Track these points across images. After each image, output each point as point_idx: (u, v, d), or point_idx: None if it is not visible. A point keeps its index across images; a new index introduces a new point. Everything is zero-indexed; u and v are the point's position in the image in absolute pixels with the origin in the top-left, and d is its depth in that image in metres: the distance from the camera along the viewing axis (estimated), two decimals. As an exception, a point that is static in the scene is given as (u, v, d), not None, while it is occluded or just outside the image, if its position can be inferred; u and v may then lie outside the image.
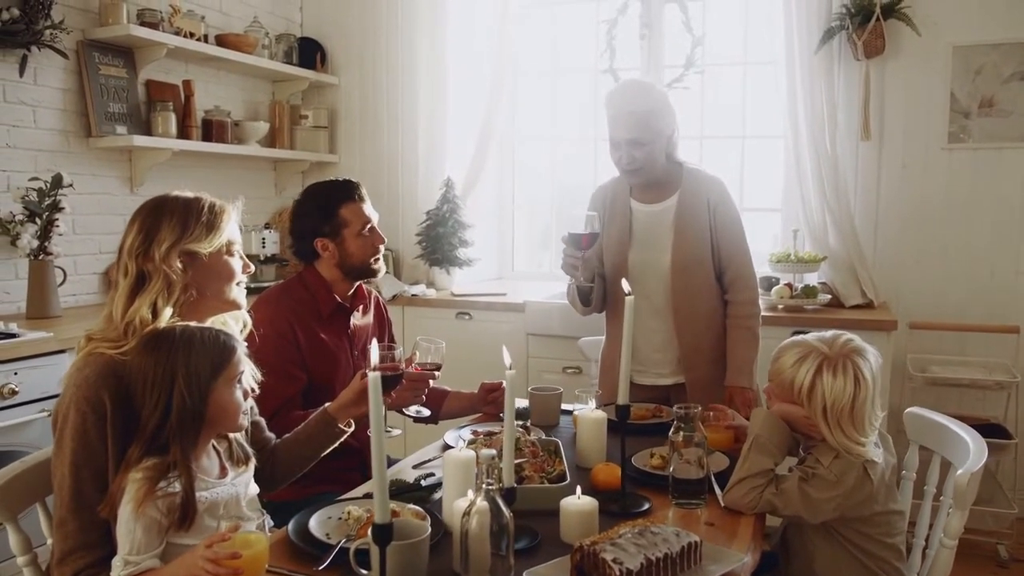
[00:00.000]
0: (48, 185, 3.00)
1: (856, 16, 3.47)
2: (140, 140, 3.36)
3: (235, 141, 3.88)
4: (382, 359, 1.74)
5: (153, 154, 3.48)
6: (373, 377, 1.12)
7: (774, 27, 3.64)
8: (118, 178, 3.48)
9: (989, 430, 2.92)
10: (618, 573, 1.21)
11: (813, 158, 3.53)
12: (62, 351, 2.62)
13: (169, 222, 1.52)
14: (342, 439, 1.83)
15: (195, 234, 1.52)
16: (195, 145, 3.63)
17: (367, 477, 2.11)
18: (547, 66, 4.34)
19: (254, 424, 1.75)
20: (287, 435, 1.83)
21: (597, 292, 2.42)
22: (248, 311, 1.69)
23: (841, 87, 3.61)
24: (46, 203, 3.00)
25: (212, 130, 3.76)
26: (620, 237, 2.42)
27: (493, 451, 1.25)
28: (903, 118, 3.60)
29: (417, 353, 1.93)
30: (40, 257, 3.00)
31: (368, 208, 2.22)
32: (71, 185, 3.05)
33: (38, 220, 2.99)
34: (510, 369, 1.42)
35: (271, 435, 1.81)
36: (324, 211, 2.17)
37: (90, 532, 1.38)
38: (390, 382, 1.78)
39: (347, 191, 2.19)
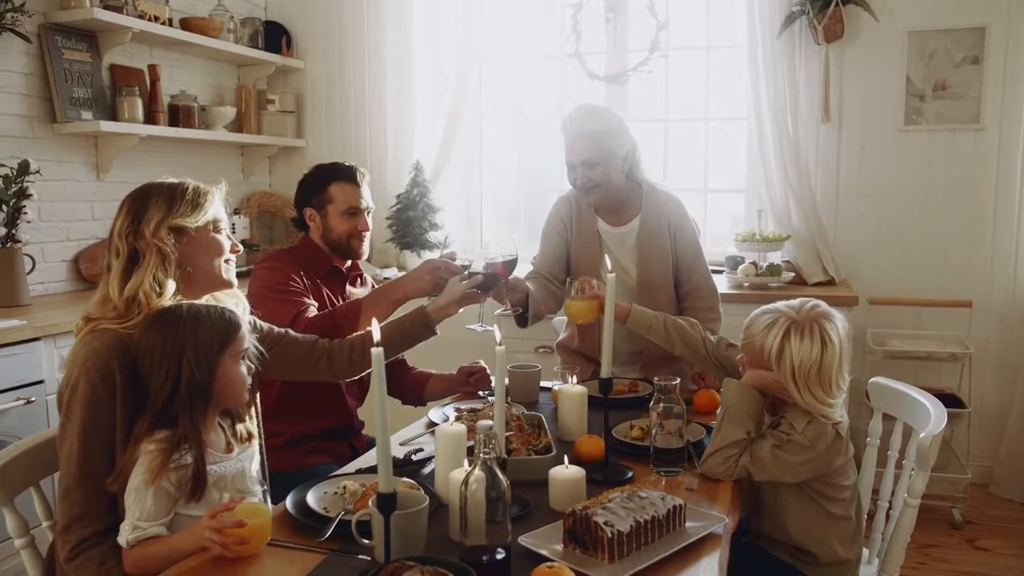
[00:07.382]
0: (15, 172, 2.95)
1: (816, 2, 3.57)
2: (107, 125, 3.32)
3: (202, 126, 3.85)
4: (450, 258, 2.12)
5: (120, 140, 3.44)
6: (376, 353, 1.16)
7: (737, 12, 3.72)
8: (84, 164, 3.44)
9: (944, 400, 2.98)
10: (609, 535, 1.28)
11: (775, 140, 3.63)
12: (36, 339, 2.60)
13: (156, 202, 1.56)
14: (427, 339, 2.08)
15: (181, 210, 1.57)
16: (162, 130, 3.60)
17: (354, 448, 2.23)
18: (513, 49, 4.35)
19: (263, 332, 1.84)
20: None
21: (533, 309, 2.40)
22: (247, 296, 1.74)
23: (802, 71, 3.70)
24: (13, 190, 2.95)
25: (179, 115, 3.72)
26: (591, 256, 2.49)
27: (491, 422, 1.29)
28: (861, 101, 3.72)
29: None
30: (8, 245, 2.96)
31: (363, 193, 2.32)
32: (38, 171, 3.01)
33: (4, 207, 2.94)
34: (500, 345, 1.48)
35: (282, 330, 1.91)
36: (317, 184, 2.31)
37: (96, 501, 1.41)
38: (492, 280, 2.09)
39: (344, 172, 2.32)
